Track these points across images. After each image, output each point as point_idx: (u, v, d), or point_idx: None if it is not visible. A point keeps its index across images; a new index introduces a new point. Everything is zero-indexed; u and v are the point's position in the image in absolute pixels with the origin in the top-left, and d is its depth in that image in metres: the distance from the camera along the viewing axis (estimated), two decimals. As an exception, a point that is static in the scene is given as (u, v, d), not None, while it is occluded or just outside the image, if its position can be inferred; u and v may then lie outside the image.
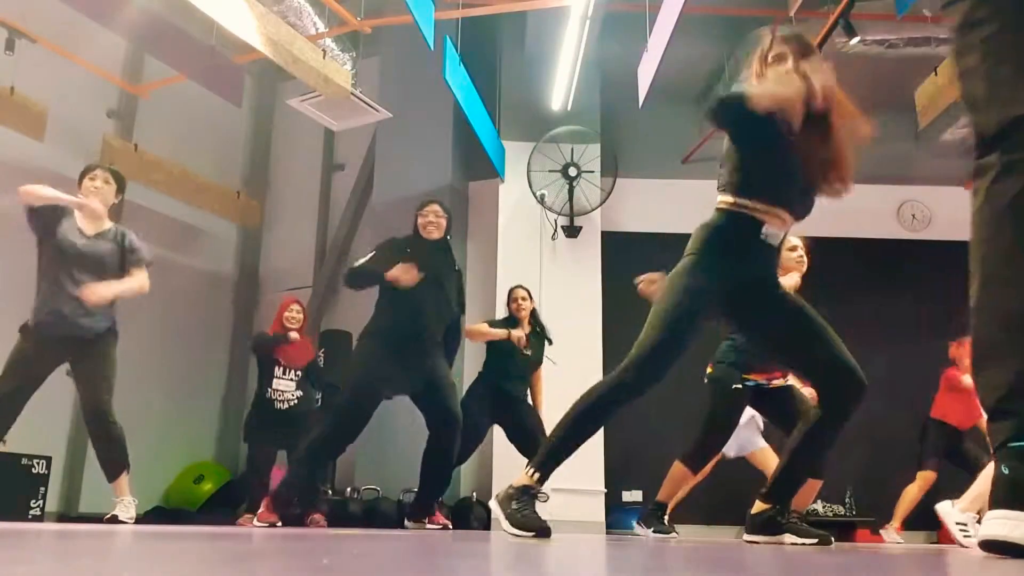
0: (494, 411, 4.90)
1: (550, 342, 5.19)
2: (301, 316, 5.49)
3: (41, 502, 5.80)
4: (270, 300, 9.02)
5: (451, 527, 4.56)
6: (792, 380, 3.99)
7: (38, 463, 5.87)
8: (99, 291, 3.80)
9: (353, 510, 6.27)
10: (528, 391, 5.07)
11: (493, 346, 5.03)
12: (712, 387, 3.94)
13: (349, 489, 6.62)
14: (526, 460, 4.74)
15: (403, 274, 4.12)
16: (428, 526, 4.37)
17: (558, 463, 2.55)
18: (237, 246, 8.99)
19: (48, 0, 6.23)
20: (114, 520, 3.84)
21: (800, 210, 2.62)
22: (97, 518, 4.15)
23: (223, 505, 7.34)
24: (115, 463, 3.92)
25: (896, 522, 5.76)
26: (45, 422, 6.76)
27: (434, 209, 4.33)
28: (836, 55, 5.70)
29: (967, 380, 5.48)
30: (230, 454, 8.36)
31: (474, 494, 6.54)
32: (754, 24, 6.64)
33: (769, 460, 4.61)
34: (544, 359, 5.17)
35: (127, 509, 3.89)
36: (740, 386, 3.88)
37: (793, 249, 4.02)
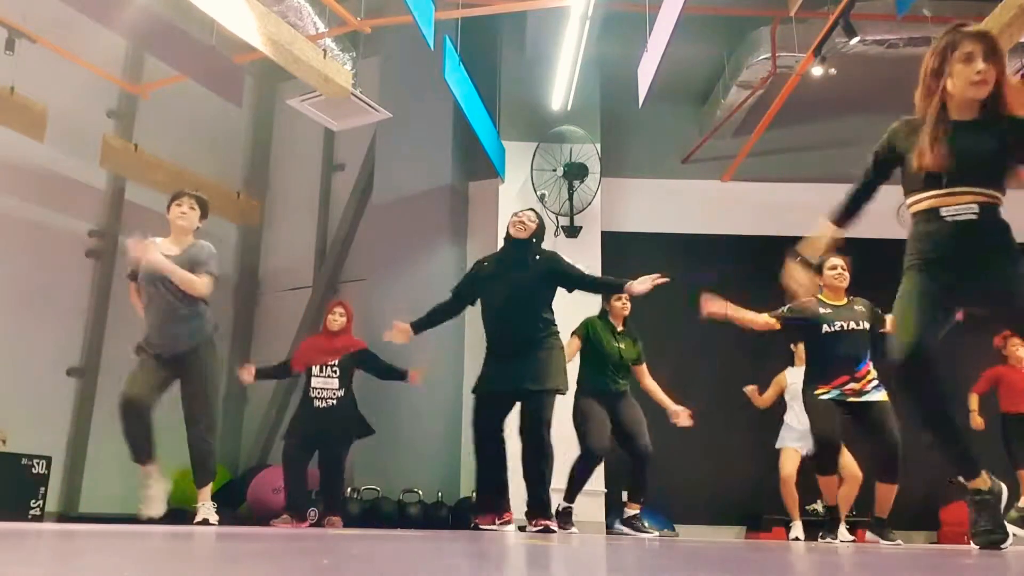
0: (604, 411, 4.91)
1: (637, 343, 5.15)
2: (344, 319, 5.50)
3: (41, 502, 5.80)
4: (270, 300, 9.03)
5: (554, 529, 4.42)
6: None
7: (38, 463, 5.87)
8: (149, 254, 3.94)
9: (353, 510, 6.26)
10: (627, 385, 5.05)
11: (584, 354, 5.03)
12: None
13: (349, 489, 6.61)
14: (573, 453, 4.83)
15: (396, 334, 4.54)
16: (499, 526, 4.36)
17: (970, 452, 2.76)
18: (237, 246, 8.99)
19: (48, 0, 6.23)
20: (205, 523, 4.09)
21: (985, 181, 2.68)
22: (97, 518, 4.19)
23: (223, 505, 7.30)
24: (201, 473, 4.25)
25: None
26: (45, 422, 6.78)
27: (527, 213, 4.57)
28: (836, 55, 5.70)
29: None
30: (230, 454, 8.36)
31: (473, 494, 6.50)
32: (754, 24, 6.64)
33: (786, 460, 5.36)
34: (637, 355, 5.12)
35: (210, 511, 4.18)
36: None
37: (833, 268, 4.32)
